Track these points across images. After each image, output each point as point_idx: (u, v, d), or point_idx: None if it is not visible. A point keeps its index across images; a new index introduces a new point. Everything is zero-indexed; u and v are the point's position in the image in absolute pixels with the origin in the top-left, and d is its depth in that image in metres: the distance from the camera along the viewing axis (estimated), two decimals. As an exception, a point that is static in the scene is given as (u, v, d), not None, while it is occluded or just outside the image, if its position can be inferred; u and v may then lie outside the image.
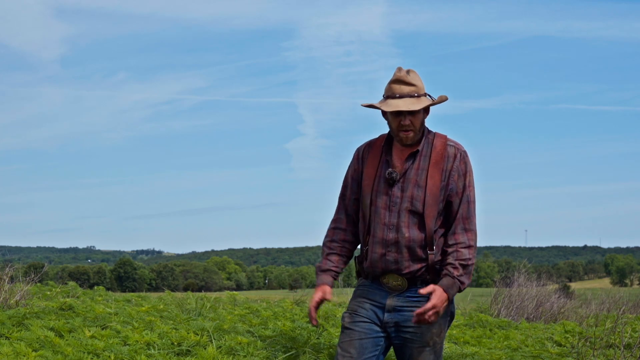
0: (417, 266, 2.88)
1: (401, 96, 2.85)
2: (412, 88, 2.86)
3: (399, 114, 2.86)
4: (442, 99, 2.91)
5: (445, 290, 2.80)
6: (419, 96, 2.86)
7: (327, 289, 2.96)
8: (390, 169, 2.90)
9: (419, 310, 2.77)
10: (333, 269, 3.00)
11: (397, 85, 2.87)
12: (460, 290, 2.86)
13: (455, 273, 2.84)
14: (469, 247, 2.89)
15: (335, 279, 3.02)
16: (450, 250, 2.88)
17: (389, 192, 2.90)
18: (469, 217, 2.92)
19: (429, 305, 2.76)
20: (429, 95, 2.92)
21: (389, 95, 2.88)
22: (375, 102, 2.96)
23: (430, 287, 2.79)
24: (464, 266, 2.86)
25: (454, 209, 2.91)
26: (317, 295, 2.95)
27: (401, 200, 2.88)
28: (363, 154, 3.03)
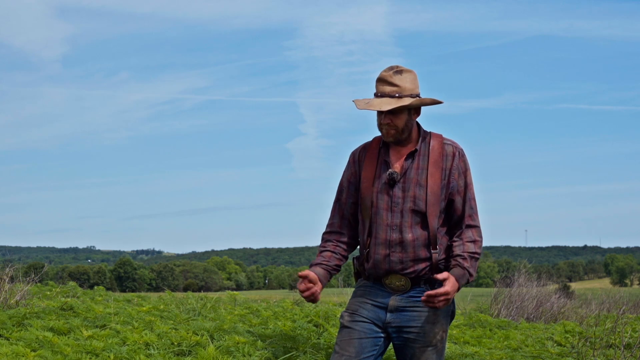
0: (421, 266, 2.88)
1: (382, 95, 2.86)
2: (393, 88, 2.85)
3: (380, 113, 2.88)
4: (424, 102, 2.89)
5: (457, 280, 2.80)
6: (400, 97, 2.84)
7: (310, 274, 2.91)
8: (391, 170, 2.90)
9: (430, 292, 2.74)
10: (324, 262, 2.98)
11: (380, 84, 2.88)
12: (468, 282, 2.87)
13: (465, 264, 2.84)
14: (474, 241, 2.90)
15: (329, 273, 2.98)
16: (456, 244, 2.89)
17: (390, 193, 2.90)
18: (472, 215, 2.94)
19: (442, 290, 2.73)
20: (418, 97, 2.89)
21: (374, 93, 2.91)
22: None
23: (446, 274, 2.77)
24: (472, 258, 2.87)
25: (457, 207, 2.92)
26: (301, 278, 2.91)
27: (403, 201, 2.88)
28: (359, 157, 3.03)
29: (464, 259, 2.86)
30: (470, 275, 2.87)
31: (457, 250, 2.88)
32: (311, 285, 2.89)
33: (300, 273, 2.89)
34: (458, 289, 2.82)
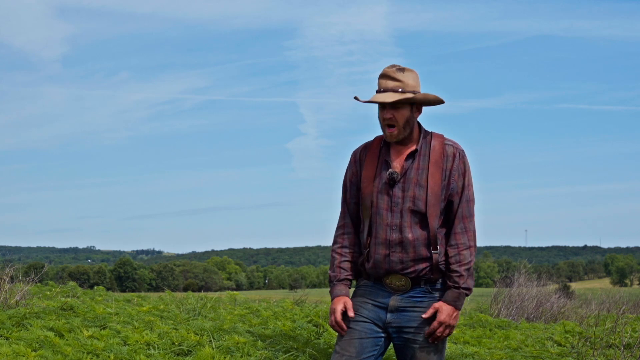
0: (421, 266, 2.89)
1: (385, 90, 2.88)
2: (397, 83, 2.87)
3: (383, 107, 2.89)
4: (427, 97, 2.90)
5: (451, 304, 2.85)
6: (403, 92, 2.87)
7: (349, 302, 2.94)
8: (391, 170, 2.91)
9: (428, 330, 2.85)
10: (349, 277, 3.00)
11: (383, 80, 2.91)
12: (467, 295, 2.90)
13: (460, 282, 2.87)
14: (469, 247, 2.91)
15: (349, 287, 3.02)
16: (451, 252, 2.90)
17: (390, 193, 2.90)
18: (469, 217, 2.94)
19: (434, 324, 2.83)
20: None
21: (377, 90, 2.92)
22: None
23: (432, 309, 2.85)
24: (467, 269, 2.89)
25: (455, 208, 2.92)
26: (340, 306, 2.93)
27: (403, 201, 2.88)
28: (360, 156, 3.03)
29: (460, 276, 2.88)
30: (468, 289, 2.89)
31: (452, 264, 2.89)
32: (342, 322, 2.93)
33: (339, 311, 2.92)
34: (457, 309, 2.87)
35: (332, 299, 2.97)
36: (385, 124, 2.90)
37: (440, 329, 2.84)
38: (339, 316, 2.91)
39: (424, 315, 2.85)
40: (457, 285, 2.87)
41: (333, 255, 3.03)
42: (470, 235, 2.92)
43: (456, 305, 2.85)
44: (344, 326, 2.91)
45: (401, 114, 2.88)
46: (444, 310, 2.84)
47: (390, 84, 2.88)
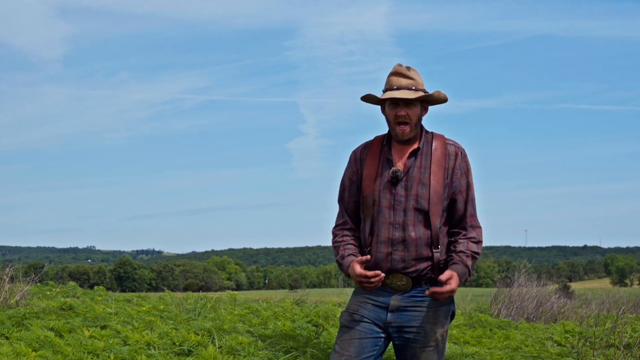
0: (423, 265, 2.89)
1: (399, 88, 2.91)
2: (410, 81, 2.92)
3: (395, 105, 2.91)
4: (440, 96, 2.94)
5: (459, 277, 2.83)
6: (416, 90, 2.91)
7: (357, 261, 2.87)
8: (394, 168, 2.92)
9: (437, 289, 2.78)
10: (354, 253, 2.96)
11: (396, 77, 2.94)
12: (466, 281, 2.90)
13: (468, 262, 2.88)
14: (478, 242, 2.95)
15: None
16: (460, 241, 2.92)
17: (392, 191, 2.91)
18: (475, 214, 2.98)
19: (448, 288, 2.77)
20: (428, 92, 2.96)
21: (388, 88, 2.95)
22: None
23: (449, 273, 2.79)
24: (473, 257, 2.91)
25: (459, 207, 2.95)
26: (357, 266, 2.85)
27: (406, 199, 2.89)
28: (361, 155, 3.04)
29: (468, 256, 2.89)
30: (470, 275, 2.90)
31: (460, 247, 2.91)
32: (377, 272, 2.84)
33: (357, 269, 2.84)
34: (461, 282, 2.86)
35: (347, 272, 2.91)
36: (398, 121, 2.92)
37: (447, 295, 2.79)
38: (359, 270, 2.84)
39: (441, 277, 2.76)
40: (465, 262, 2.87)
41: (334, 245, 3.04)
42: (478, 232, 2.97)
43: (461, 279, 2.86)
44: (369, 273, 2.82)
45: (414, 112, 2.92)
46: (455, 279, 2.80)
47: (404, 81, 2.92)
